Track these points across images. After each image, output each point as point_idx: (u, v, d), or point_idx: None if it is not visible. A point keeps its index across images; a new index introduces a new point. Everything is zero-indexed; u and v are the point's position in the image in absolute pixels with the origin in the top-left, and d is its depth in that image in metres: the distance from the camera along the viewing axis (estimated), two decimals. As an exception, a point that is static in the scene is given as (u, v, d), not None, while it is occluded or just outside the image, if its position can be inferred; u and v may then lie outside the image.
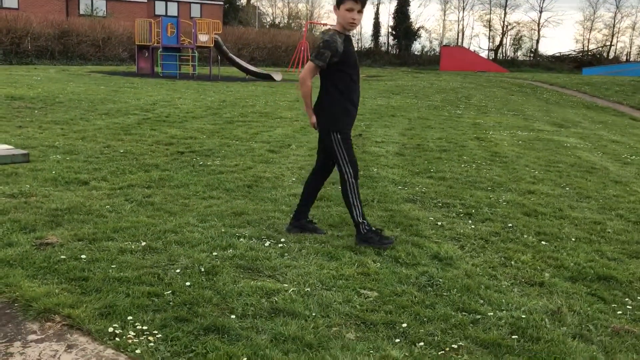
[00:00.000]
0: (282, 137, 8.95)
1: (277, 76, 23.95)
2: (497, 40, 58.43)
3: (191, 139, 8.33)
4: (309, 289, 3.30)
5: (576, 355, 2.73)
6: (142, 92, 15.14)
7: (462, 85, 23.62)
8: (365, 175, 6.45)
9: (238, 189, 5.56)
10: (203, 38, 23.07)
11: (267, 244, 4.02)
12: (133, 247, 3.82)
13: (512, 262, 3.95)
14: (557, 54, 55.70)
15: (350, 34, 4.07)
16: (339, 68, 3.96)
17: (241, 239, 4.06)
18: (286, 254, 3.84)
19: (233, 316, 2.92)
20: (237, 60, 24.71)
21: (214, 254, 3.75)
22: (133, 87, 16.46)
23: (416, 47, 57.91)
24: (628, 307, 3.34)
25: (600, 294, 3.50)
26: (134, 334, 2.69)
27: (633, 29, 58.34)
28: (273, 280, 3.42)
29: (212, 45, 23.48)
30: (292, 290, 3.26)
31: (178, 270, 3.46)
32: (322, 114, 4.10)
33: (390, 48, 57.02)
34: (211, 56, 24.45)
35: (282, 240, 4.11)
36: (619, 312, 3.26)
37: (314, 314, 3.00)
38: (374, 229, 4.17)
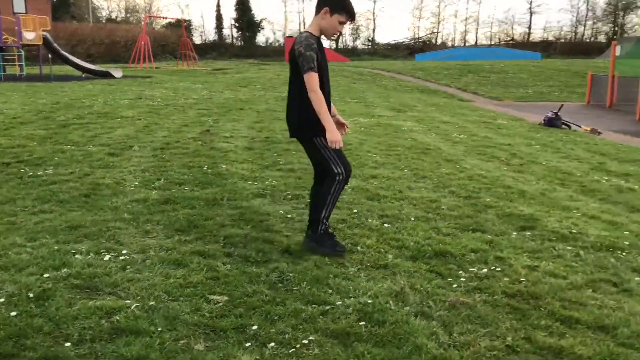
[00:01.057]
0: (123, 138, 8.46)
1: (117, 73, 22.69)
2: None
3: (19, 147, 7.56)
4: (153, 303, 3.12)
5: (418, 333, 2.87)
6: (-42, 97, 13.50)
7: (308, 75, 24.11)
8: (214, 172, 6.30)
9: (74, 199, 5.14)
10: (29, 36, 21.13)
11: (106, 257, 3.75)
12: (-54, 279, 3.36)
13: (359, 248, 4.08)
14: (392, 42, 59.09)
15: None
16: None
17: (77, 256, 3.75)
18: (128, 267, 3.61)
19: (68, 343, 2.68)
20: (71, 58, 22.99)
21: (45, 275, 3.42)
22: (-54, 92, 14.62)
23: (260, 38, 58.19)
24: (462, 279, 3.60)
25: (438, 270, 3.74)
26: (-53, 381, 2.35)
27: (455, 16, 63.67)
28: (114, 297, 3.19)
29: (41, 43, 21.57)
30: (136, 306, 3.07)
31: (2, 300, 3.10)
32: (301, 122, 3.82)
33: (235, 40, 56.63)
34: (41, 55, 22.47)
35: (124, 252, 3.86)
36: (455, 286, 3.50)
37: (159, 329, 2.84)
38: (330, 231, 4.03)
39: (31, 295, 3.16)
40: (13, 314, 2.94)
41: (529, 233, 4.53)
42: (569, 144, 9.46)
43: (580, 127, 11.84)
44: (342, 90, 18.26)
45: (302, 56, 3.63)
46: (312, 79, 3.62)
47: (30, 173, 6.09)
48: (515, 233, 4.53)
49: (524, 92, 21.77)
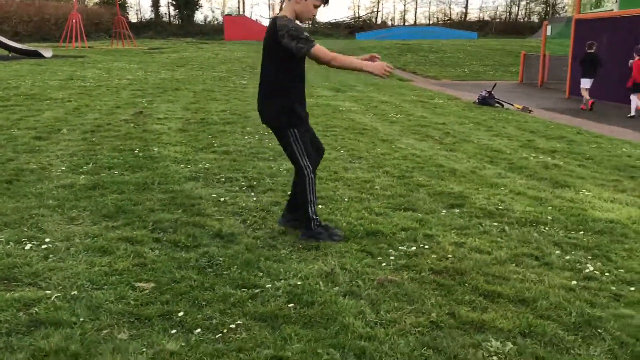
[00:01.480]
0: (51, 120, 8.12)
1: (47, 52, 21.70)
2: (277, 9, 59.78)
3: None
4: (76, 292, 3.02)
5: (346, 312, 2.90)
6: None
7: (247, 55, 23.80)
8: (145, 155, 6.14)
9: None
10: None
11: (27, 247, 3.59)
12: None
13: (291, 230, 4.07)
14: (333, 21, 58.94)
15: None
16: (292, 59, 3.63)
17: (-5, 246, 3.57)
18: (51, 256, 3.48)
19: (-18, 338, 2.56)
20: (-5, 35, 21.77)
21: (-39, 268, 3.25)
22: None
23: (199, 17, 56.78)
24: (391, 257, 3.65)
25: (368, 249, 3.78)
26: None
27: (396, -5, 64.12)
28: (34, 288, 3.07)
29: (-41, 19, 20.30)
30: (57, 297, 2.96)
31: None
32: (277, 110, 3.71)
33: (172, 19, 55.06)
34: (-40, 32, 21.17)
35: (47, 240, 3.71)
36: (384, 264, 3.55)
37: (81, 319, 2.76)
38: (323, 223, 3.97)
39: (-58, 289, 2.99)
40: None
41: (457, 210, 4.65)
42: (501, 122, 9.74)
43: (512, 105, 12.21)
44: (282, 70, 18.12)
45: (297, 39, 3.53)
46: (319, 49, 3.58)
47: (-53, 159, 5.75)
48: (444, 211, 4.63)
49: (460, 71, 22.24)
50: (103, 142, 6.79)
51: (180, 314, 2.84)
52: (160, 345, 2.55)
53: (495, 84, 13.36)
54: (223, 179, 5.34)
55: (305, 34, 3.56)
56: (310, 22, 53.69)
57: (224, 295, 3.05)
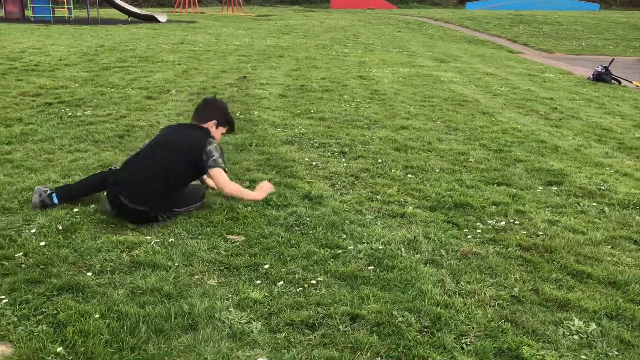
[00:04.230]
0: (161, 82, 8.60)
1: (162, 17, 22.79)
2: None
3: (62, 88, 7.79)
4: (173, 239, 3.27)
5: (425, 279, 2.92)
6: (9, 39, 13.88)
7: (351, 24, 23.68)
8: (246, 118, 6.38)
9: (108, 139, 5.31)
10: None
11: (134, 196, 3.90)
12: (-16, 209, 3.58)
13: (379, 197, 4.11)
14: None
15: None
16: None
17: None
18: (153, 205, 3.75)
19: (90, 273, 2.84)
20: (118, 1, 23.15)
21: (75, 210, 3.60)
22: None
23: (308, -16, 56.91)
24: (478, 231, 3.60)
25: (455, 221, 3.75)
26: (-22, 301, 2.55)
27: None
28: (136, 233, 3.35)
29: (87, -15, 21.78)
30: (155, 242, 3.21)
31: (33, 231, 3.30)
32: (156, 196, 3.48)
33: (281, -15, 55.64)
34: (88, -3, 22.73)
35: (151, 191, 4.00)
36: (470, 237, 3.51)
37: (176, 264, 2.98)
38: None
39: (60, 227, 3.34)
40: (42, 243, 3.13)
41: (555, 188, 4.46)
42: (616, 100, 9.09)
43: (631, 82, 11.32)
44: (385, 39, 17.90)
45: (212, 153, 3.60)
46: (224, 176, 3.67)
47: (70, 113, 6.30)
48: (541, 188, 4.46)
49: (576, 44, 20.82)
50: (207, 104, 7.11)
51: (266, 266, 2.99)
52: (246, 293, 2.72)
53: (613, 60, 12.43)
54: (316, 144, 5.45)
55: (217, 150, 3.69)
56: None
57: (307, 253, 3.16)
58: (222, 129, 3.91)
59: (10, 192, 3.89)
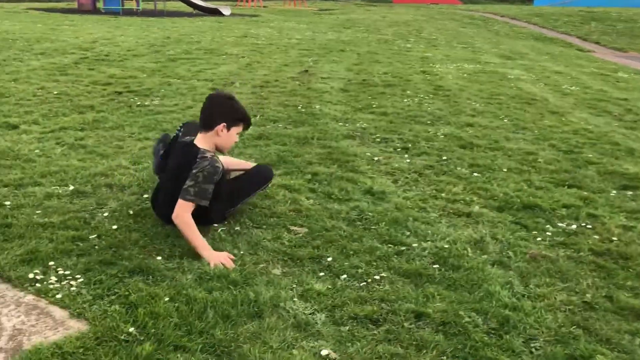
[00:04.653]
0: (226, 74, 8.74)
1: (226, 10, 23.18)
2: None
3: (130, 78, 8.05)
4: (239, 228, 3.31)
5: (492, 280, 2.85)
6: (82, 29, 14.45)
7: (415, 18, 23.39)
8: (308, 112, 6.40)
9: (175, 129, 5.43)
10: (146, -29, 21.97)
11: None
12: (60, 191, 3.73)
13: (443, 194, 4.04)
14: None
15: None
16: None
17: (174, 180, 4.00)
18: (219, 194, 3.82)
19: (159, 257, 2.92)
20: (184, -6, 23.71)
21: (145, 196, 3.70)
22: (72, 24, 15.68)
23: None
24: (548, 233, 3.48)
25: (523, 222, 3.63)
26: (56, 279, 2.66)
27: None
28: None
29: (156, -22, 22.40)
30: (222, 230, 3.27)
31: (106, 214, 3.42)
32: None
33: (344, -20, 55.55)
34: (156, -10, 23.38)
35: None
36: (539, 239, 3.40)
37: (241, 252, 3.02)
38: None
39: (131, 212, 3.45)
40: (114, 227, 3.24)
41: (630, 193, 4.26)
42: (696, 102, 8.59)
43: None
44: (449, 34, 17.59)
45: (196, 180, 3.09)
46: (186, 206, 3.06)
47: (139, 103, 6.50)
48: (615, 191, 4.27)
49: (652, 43, 19.83)
50: (270, 97, 7.18)
51: (329, 259, 2.99)
52: (309, 284, 2.72)
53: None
54: (378, 139, 5.40)
55: (202, 183, 3.10)
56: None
57: (370, 248, 3.14)
58: (236, 129, 3.33)
59: (83, 176, 4.05)
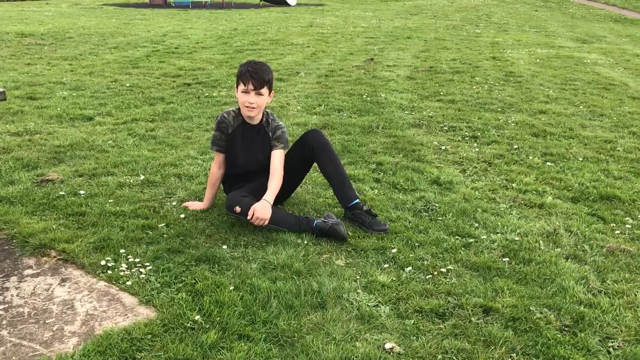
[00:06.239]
0: (291, 64, 8.78)
1: (292, 1, 23.28)
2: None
3: (199, 70, 8.22)
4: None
5: (566, 275, 2.71)
6: (153, 23, 14.90)
7: (484, 3, 22.68)
8: (373, 101, 6.32)
9: (241, 119, 5.50)
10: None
11: (265, 174, 4.00)
12: (132, 181, 3.85)
13: (514, 185, 3.89)
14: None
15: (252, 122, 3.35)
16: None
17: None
18: (283, 184, 3.83)
19: (225, 247, 2.96)
20: (250, -14, 23.99)
21: (211, 185, 3.76)
22: (144, 18, 16.20)
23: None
24: (627, 226, 3.28)
25: (600, 214, 3.45)
26: (126, 266, 2.74)
27: None
28: (268, 210, 3.42)
29: (223, -29, 22.76)
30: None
31: (174, 203, 3.50)
32: None
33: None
34: (223, -17, 23.76)
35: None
36: (617, 232, 3.21)
37: (305, 242, 3.02)
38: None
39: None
40: (182, 216, 3.31)
41: None
42: None
43: None
44: (520, 18, 16.94)
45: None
46: (215, 156, 3.44)
47: (207, 94, 6.62)
48: (703, 182, 3.98)
49: None
50: (335, 86, 7.15)
51: (394, 250, 2.94)
52: (373, 276, 2.68)
53: None
54: (446, 128, 5.27)
55: (214, 130, 3.39)
56: None
57: (436, 240, 3.06)
58: (241, 87, 3.21)
59: (154, 166, 4.16)
